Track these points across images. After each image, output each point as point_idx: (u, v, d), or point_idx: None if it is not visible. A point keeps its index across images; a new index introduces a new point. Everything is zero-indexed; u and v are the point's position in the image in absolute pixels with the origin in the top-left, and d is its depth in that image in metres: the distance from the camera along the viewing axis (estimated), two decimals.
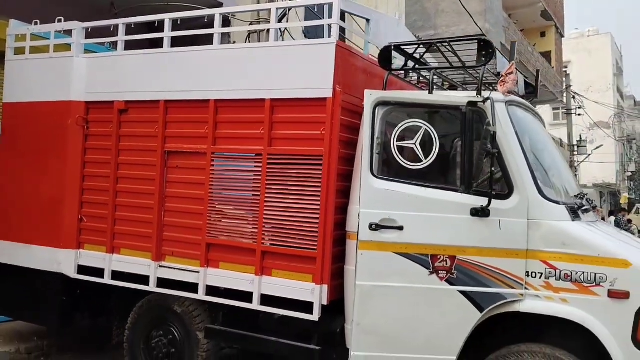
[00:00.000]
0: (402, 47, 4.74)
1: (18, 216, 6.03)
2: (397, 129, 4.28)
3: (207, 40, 5.26)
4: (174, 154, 5.29)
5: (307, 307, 4.56)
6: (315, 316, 4.49)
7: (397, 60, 4.78)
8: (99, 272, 5.52)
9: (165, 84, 5.33)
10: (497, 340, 4.20)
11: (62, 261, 5.67)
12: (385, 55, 4.65)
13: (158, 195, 5.28)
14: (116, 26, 5.71)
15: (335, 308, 4.56)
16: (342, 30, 5.06)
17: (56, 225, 5.73)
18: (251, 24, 7.31)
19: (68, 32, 5.97)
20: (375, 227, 4.23)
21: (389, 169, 4.35)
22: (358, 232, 4.30)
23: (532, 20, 22.15)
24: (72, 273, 5.65)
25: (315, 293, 4.50)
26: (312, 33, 7.47)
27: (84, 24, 5.85)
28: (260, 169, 4.85)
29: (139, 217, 5.39)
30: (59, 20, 5.94)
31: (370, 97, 4.38)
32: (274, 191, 4.77)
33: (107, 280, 5.48)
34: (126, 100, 5.51)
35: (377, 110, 4.36)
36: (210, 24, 5.26)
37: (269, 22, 5.92)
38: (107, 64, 5.73)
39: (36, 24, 6.14)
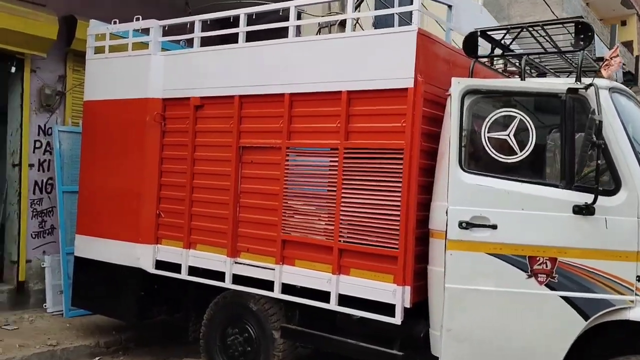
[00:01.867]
0: (489, 33, 4.24)
1: (99, 212, 5.91)
2: (488, 119, 3.80)
3: (279, 35, 4.93)
4: (249, 149, 5.01)
5: (387, 308, 4.15)
6: (397, 319, 4.09)
7: (480, 49, 4.30)
8: (176, 268, 5.32)
9: (239, 79, 5.04)
10: (599, 350, 3.65)
11: (141, 256, 5.50)
12: (471, 42, 4.18)
13: (233, 191, 5.01)
14: (192, 24, 5.48)
15: (418, 310, 4.13)
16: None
17: (135, 220, 5.57)
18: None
19: (145, 31, 5.79)
20: (465, 225, 3.77)
21: (479, 162, 3.88)
22: (446, 231, 3.86)
23: (612, 8, 20.71)
24: (150, 268, 5.46)
25: (397, 295, 4.09)
26: (381, 23, 7.05)
27: (161, 22, 5.65)
28: (336, 164, 4.49)
29: (215, 213, 5.15)
30: (137, 19, 5.77)
31: (459, 85, 3.91)
32: (351, 186, 4.40)
33: (183, 275, 5.27)
34: (202, 96, 5.26)
35: (465, 100, 3.89)
36: (283, 19, 4.93)
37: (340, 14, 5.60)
38: (183, 60, 5.50)
39: (115, 23, 5.99)
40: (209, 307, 5.21)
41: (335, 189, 4.48)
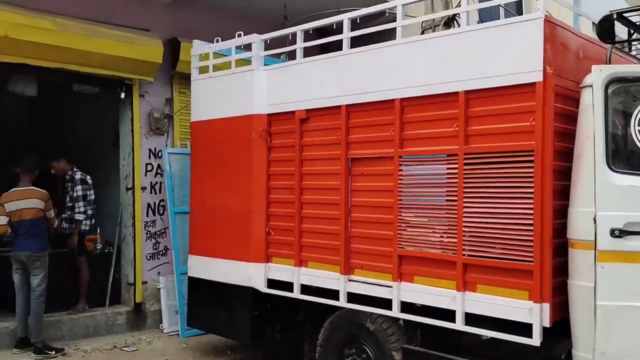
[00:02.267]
0: (626, 15, 3.71)
1: (210, 232, 5.88)
2: (639, 110, 3.27)
3: (380, 40, 4.65)
4: (358, 161, 4.74)
5: (522, 328, 3.70)
6: (535, 340, 3.63)
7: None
8: (288, 286, 5.13)
9: (345, 88, 4.81)
10: None
11: (252, 275, 5.37)
12: (606, 26, 3.67)
13: (344, 205, 4.76)
14: (293, 36, 5.32)
15: (557, 329, 3.64)
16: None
17: (245, 239, 5.46)
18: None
19: (248, 48, 5.70)
20: (619, 233, 3.28)
21: (631, 160, 3.37)
22: (595, 240, 3.37)
23: None
24: (262, 287, 5.32)
25: (534, 313, 3.64)
26: (485, 17, 6.56)
27: (262, 36, 5.56)
28: (454, 171, 4.12)
29: (325, 229, 4.92)
30: (239, 35, 5.70)
31: (601, 73, 3.43)
32: (474, 195, 4.01)
33: (296, 294, 5.07)
34: (307, 109, 5.08)
35: (609, 90, 3.39)
36: (385, 22, 4.66)
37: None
38: (286, 73, 5.35)
39: (217, 41, 5.96)
40: (324, 326, 4.96)
41: (455, 198, 4.10)
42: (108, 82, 6.94)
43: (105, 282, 7.09)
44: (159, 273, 7.16)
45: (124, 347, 6.32)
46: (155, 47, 6.93)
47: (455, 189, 4.11)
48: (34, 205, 5.93)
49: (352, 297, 4.69)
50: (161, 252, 7.25)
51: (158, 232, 7.25)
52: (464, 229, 4.05)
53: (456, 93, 4.10)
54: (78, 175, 6.92)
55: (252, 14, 7.41)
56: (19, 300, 6.00)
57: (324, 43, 5.26)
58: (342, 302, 4.73)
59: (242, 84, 5.61)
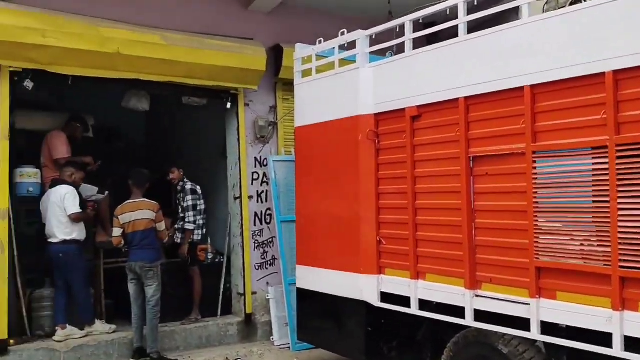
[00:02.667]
0: None
1: (317, 241, 5.42)
2: None
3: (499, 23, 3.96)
4: (481, 159, 4.05)
5: None
6: None
7: None
8: (404, 301, 4.51)
9: (462, 78, 4.14)
10: None
11: (364, 288, 4.82)
12: None
13: (466, 210, 4.08)
14: (401, 27, 4.74)
15: None
16: None
17: (354, 249, 4.92)
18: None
19: (351, 47, 5.17)
20: None
21: None
22: None
23: None
24: (376, 301, 4.74)
25: None
26: None
27: (367, 32, 5.02)
28: (603, 167, 3.32)
29: (445, 237, 4.27)
30: (342, 33, 5.20)
31: None
32: (633, 195, 3.18)
33: (413, 310, 4.44)
34: (418, 105, 4.46)
35: None
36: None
37: None
38: (395, 68, 4.76)
39: (319, 42, 5.51)
40: (448, 346, 4.28)
41: (606, 199, 3.31)
42: (214, 93, 6.73)
43: (216, 292, 6.86)
44: (267, 283, 6.82)
45: (236, 359, 6.01)
46: (259, 55, 6.63)
47: (605, 188, 3.32)
48: (145, 216, 5.79)
49: (480, 315, 4.00)
50: (269, 262, 6.91)
51: (265, 242, 6.92)
52: (619, 235, 3.25)
53: (602, 74, 3.32)
54: (188, 186, 6.75)
55: (353, 15, 6.96)
56: (135, 310, 5.88)
57: (432, 35, 4.64)
58: (469, 321, 4.04)
59: (346, 84, 5.10)
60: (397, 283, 4.60)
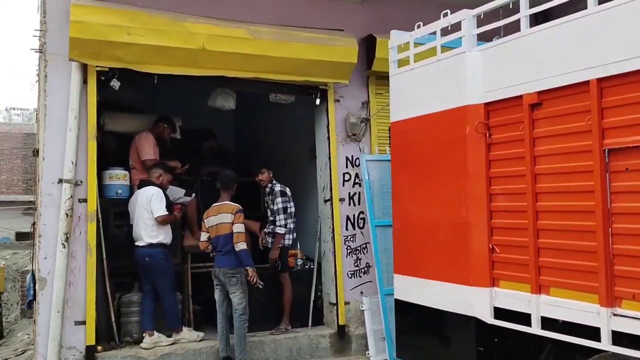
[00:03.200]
0: None
1: (418, 248, 4.98)
2: None
3: None
4: (620, 152, 3.47)
5: None
6: None
7: None
8: (523, 318, 3.98)
9: (593, 57, 3.57)
10: None
11: (474, 302, 4.32)
12: None
13: (601, 213, 3.51)
14: (515, 2, 4.22)
15: None
16: None
17: (462, 257, 4.45)
18: None
19: (455, 30, 4.71)
20: None
21: None
22: None
23: None
24: (488, 317, 4.23)
25: None
26: None
27: (474, 11, 4.54)
28: None
29: (574, 245, 3.72)
30: (444, 15, 4.75)
31: None
32: None
33: (534, 329, 3.90)
34: (539, 91, 3.93)
35: None
36: None
37: None
38: (509, 50, 4.24)
39: (418, 27, 5.08)
40: None
41: None
42: (303, 89, 6.49)
43: (307, 300, 6.59)
44: (361, 293, 6.46)
45: None
46: (350, 47, 6.31)
47: None
48: (226, 220, 5.61)
49: (619, 337, 3.41)
50: (363, 270, 6.55)
51: (359, 248, 6.56)
52: None
53: None
54: (277, 187, 6.52)
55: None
56: (219, 318, 5.72)
57: (540, 15, 4.11)
58: (605, 344, 3.46)
59: (450, 70, 4.64)
60: (515, 297, 4.07)
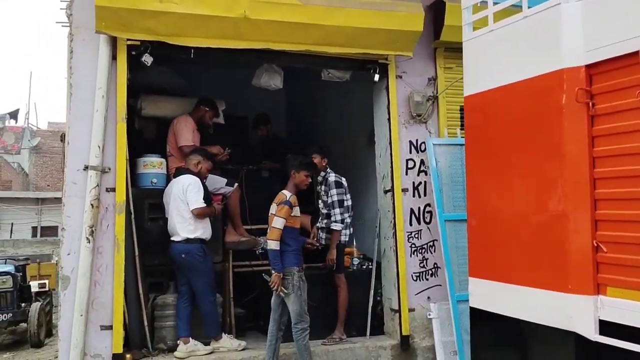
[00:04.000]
0: None
1: (498, 246, 4.26)
2: None
3: None
4: None
5: None
6: None
7: None
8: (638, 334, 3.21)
9: None
10: None
11: (573, 313, 3.58)
12: None
13: None
14: None
15: None
16: None
17: (557, 257, 3.71)
18: None
19: None
20: None
21: None
22: None
23: None
24: (592, 333, 3.48)
25: None
26: None
27: None
28: None
29: None
30: None
31: None
32: None
33: None
34: None
35: None
36: None
37: None
38: None
39: None
40: None
41: None
42: (359, 63, 5.86)
43: (364, 306, 5.95)
44: (428, 298, 5.77)
45: None
46: (415, 13, 5.62)
47: None
48: (273, 212, 5.03)
49: None
50: (430, 272, 5.85)
51: (425, 246, 5.86)
52: None
53: None
54: (332, 177, 5.89)
55: None
56: (270, 324, 5.08)
57: None
58: None
59: (541, 28, 3.89)
60: (627, 308, 3.32)
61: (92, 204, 4.76)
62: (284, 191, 5.07)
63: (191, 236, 5.05)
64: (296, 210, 5.03)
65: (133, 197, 5.30)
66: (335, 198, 5.79)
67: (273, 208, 5.01)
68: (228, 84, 7.06)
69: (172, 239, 5.16)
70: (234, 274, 5.97)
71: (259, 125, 7.33)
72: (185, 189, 5.04)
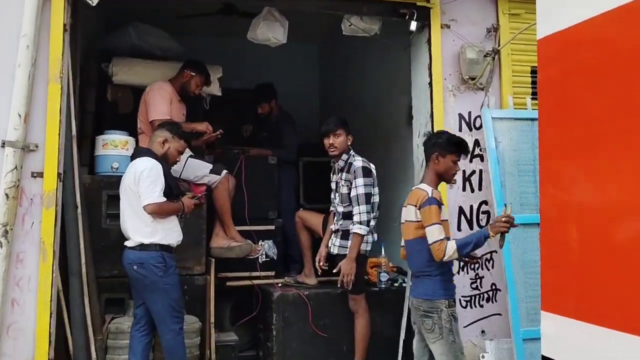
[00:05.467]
0: None
1: (590, 266, 2.81)
2: None
3: None
4: None
5: None
6: None
7: None
8: None
9: None
10: None
11: None
12: None
13: None
14: None
15: None
16: None
17: None
18: None
19: None
20: None
21: None
22: None
23: None
24: None
25: None
26: None
27: None
28: None
29: None
30: None
31: None
32: None
33: None
34: None
35: None
36: None
37: None
38: None
39: None
40: None
41: None
42: (390, 8, 4.51)
43: (394, 336, 4.58)
44: (482, 332, 4.38)
45: None
46: None
47: None
48: (411, 216, 3.53)
49: None
50: (486, 295, 4.44)
51: (478, 259, 4.46)
52: None
53: None
54: (359, 162, 4.48)
55: None
56: None
57: None
58: None
59: None
60: None
61: (6, 194, 3.59)
62: (421, 185, 3.58)
63: (147, 241, 3.79)
64: (443, 212, 3.59)
65: (87, 186, 4.29)
66: (361, 190, 4.39)
67: (409, 214, 3.60)
68: (247, 53, 6.00)
69: (125, 243, 3.95)
70: (229, 289, 4.85)
71: (261, 101, 5.95)
72: (137, 178, 3.80)
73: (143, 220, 3.83)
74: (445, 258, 3.38)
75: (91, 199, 4.32)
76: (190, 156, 4.66)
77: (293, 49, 5.62)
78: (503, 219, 3.42)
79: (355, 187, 4.40)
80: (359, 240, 4.37)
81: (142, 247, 3.83)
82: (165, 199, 3.83)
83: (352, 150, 4.58)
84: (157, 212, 3.80)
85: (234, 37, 5.78)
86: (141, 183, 3.78)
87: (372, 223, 4.48)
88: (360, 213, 4.38)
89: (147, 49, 5.44)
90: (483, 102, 4.54)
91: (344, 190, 4.49)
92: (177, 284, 3.92)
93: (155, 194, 3.77)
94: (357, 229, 4.37)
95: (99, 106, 5.28)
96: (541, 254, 3.27)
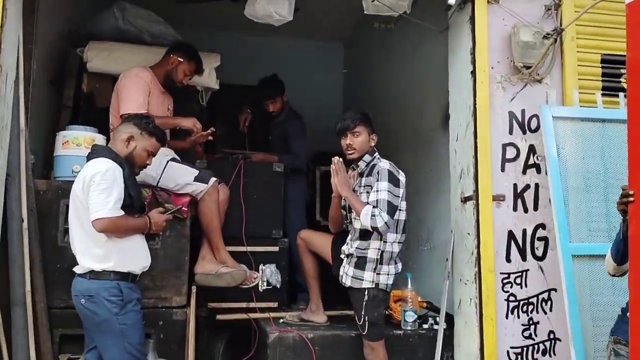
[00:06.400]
0: None
1: None
2: None
3: None
4: None
5: None
6: None
7: None
8: None
9: None
10: None
11: None
12: None
13: None
14: None
15: None
16: None
17: None
18: None
19: None
20: None
21: None
22: None
23: None
24: None
25: None
26: None
27: None
28: None
29: None
30: None
31: None
32: None
33: None
34: None
35: None
36: None
37: None
38: None
39: None
40: None
41: None
42: None
43: None
44: None
45: None
46: None
47: None
48: None
49: None
50: (542, 346, 3.52)
51: (534, 300, 3.53)
52: None
53: None
54: (385, 164, 3.59)
55: None
56: None
57: None
58: None
59: None
60: None
61: None
62: None
63: (98, 267, 2.99)
64: None
65: (41, 193, 3.61)
66: (383, 195, 3.44)
67: None
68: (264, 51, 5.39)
69: (74, 269, 3.15)
70: (223, 324, 4.10)
71: (273, 96, 5.12)
72: (87, 184, 3.00)
73: (94, 240, 3.02)
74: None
75: (45, 209, 3.59)
76: (172, 159, 3.88)
77: (315, 47, 4.91)
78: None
79: (377, 190, 3.46)
80: (363, 210, 3.44)
81: (92, 274, 3.02)
82: (122, 213, 3.01)
83: (377, 153, 3.73)
84: (110, 229, 2.98)
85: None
86: (91, 191, 2.97)
87: (396, 249, 3.61)
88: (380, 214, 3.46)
89: (136, 34, 4.72)
90: (542, 97, 3.66)
91: (363, 198, 3.61)
92: (137, 323, 3.08)
93: (109, 205, 2.94)
94: (371, 252, 3.53)
95: (77, 100, 4.61)
96: (630, 293, 2.41)
